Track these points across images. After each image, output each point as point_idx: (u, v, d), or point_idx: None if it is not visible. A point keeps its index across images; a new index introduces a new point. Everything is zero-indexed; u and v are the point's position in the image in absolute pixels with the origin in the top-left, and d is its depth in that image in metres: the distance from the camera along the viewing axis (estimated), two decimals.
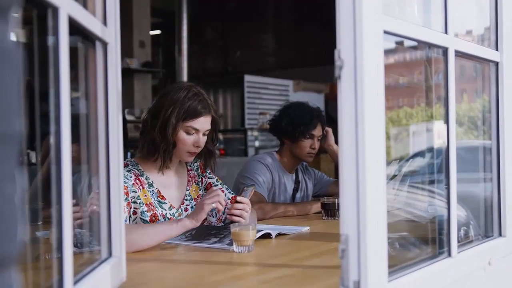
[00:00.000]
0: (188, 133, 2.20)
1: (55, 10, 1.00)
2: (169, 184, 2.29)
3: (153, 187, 2.23)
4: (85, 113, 1.38)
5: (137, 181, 2.18)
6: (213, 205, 1.98)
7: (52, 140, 1.03)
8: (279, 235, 2.18)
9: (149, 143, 2.21)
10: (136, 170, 2.20)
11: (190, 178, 2.38)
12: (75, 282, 1.11)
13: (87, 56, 1.35)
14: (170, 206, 2.24)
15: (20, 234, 0.60)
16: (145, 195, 2.18)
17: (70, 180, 1.03)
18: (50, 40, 1.03)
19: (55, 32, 1.01)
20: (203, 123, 2.21)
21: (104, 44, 1.36)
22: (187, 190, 2.35)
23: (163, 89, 2.31)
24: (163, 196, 2.24)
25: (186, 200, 2.33)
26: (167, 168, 2.27)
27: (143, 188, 2.19)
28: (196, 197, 2.36)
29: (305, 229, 2.35)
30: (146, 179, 2.22)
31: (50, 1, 0.97)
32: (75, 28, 1.13)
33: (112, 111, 1.38)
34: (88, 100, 1.40)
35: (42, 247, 1.43)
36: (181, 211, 2.29)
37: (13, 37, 0.60)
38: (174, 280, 1.60)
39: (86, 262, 1.34)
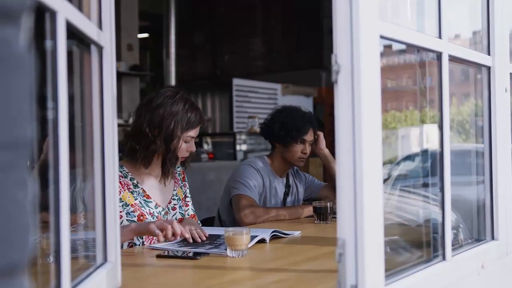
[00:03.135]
0: (185, 142, 2.31)
1: (53, 14, 0.99)
2: (155, 185, 2.36)
3: (139, 187, 2.29)
4: (80, 117, 1.38)
5: (119, 183, 2.21)
6: (157, 231, 1.94)
7: (49, 144, 1.02)
8: (273, 238, 2.19)
9: (151, 154, 2.27)
10: (119, 172, 2.22)
11: (176, 180, 2.47)
12: None
13: (81, 60, 1.34)
14: (156, 204, 2.32)
15: (32, 240, 0.60)
16: (129, 197, 2.24)
17: (67, 185, 1.03)
18: (47, 43, 1.02)
19: (53, 36, 1.01)
20: (198, 130, 2.35)
21: (100, 48, 1.35)
22: (174, 190, 2.44)
23: (154, 98, 2.30)
24: (148, 195, 2.31)
25: (174, 199, 2.42)
26: (169, 176, 2.36)
27: (125, 190, 2.25)
28: (182, 198, 2.47)
29: (297, 233, 2.35)
30: (130, 180, 2.29)
31: (49, 5, 0.96)
32: (71, 32, 1.12)
33: (108, 115, 1.37)
34: (83, 104, 1.39)
35: (36, 252, 1.42)
36: (168, 209, 2.38)
37: (24, 42, 0.59)
38: (169, 285, 1.60)
39: (81, 268, 1.33)
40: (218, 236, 2.18)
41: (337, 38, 1.19)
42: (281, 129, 3.01)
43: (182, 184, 2.50)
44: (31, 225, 0.60)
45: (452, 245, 1.58)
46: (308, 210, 2.83)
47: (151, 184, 2.34)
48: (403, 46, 1.57)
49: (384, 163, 2.29)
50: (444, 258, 1.52)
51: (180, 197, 2.45)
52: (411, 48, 1.61)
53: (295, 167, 3.20)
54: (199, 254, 1.88)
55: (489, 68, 1.84)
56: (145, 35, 9.94)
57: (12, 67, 0.56)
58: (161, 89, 2.38)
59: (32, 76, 0.60)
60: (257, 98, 8.32)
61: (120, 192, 2.20)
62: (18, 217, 0.57)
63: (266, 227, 2.46)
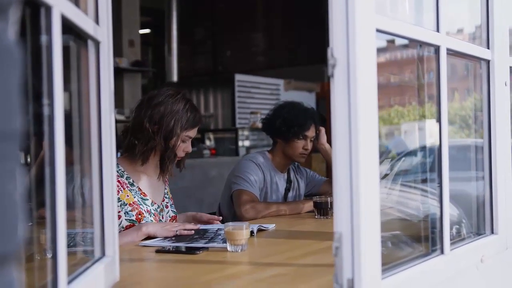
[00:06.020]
0: (183, 141, 2.33)
1: (48, 8, 0.99)
2: (149, 183, 2.39)
3: (134, 186, 2.32)
4: (77, 113, 1.38)
5: (117, 182, 2.23)
6: (177, 233, 2.13)
7: (45, 140, 1.03)
8: (259, 231, 2.24)
9: (149, 150, 2.29)
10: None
11: (166, 179, 2.51)
12: (69, 282, 1.10)
13: (79, 55, 1.35)
14: (152, 202, 2.35)
15: (21, 231, 0.60)
16: (127, 196, 2.27)
17: (63, 180, 1.03)
18: (43, 39, 1.02)
19: (48, 31, 1.01)
20: (196, 131, 2.39)
21: (97, 43, 1.35)
22: (165, 189, 2.48)
23: (155, 96, 2.33)
24: (144, 193, 2.34)
25: (166, 197, 2.46)
26: (167, 174, 2.39)
27: (124, 189, 2.27)
28: (170, 197, 2.51)
29: (271, 226, 2.39)
30: (126, 179, 2.31)
31: None
32: (67, 27, 1.12)
33: (105, 110, 1.38)
34: (80, 100, 1.39)
35: (34, 247, 1.42)
36: (163, 207, 2.42)
37: (12, 35, 0.59)
38: (168, 279, 1.60)
39: (79, 262, 1.33)
40: (206, 231, 2.20)
41: (333, 31, 1.19)
42: (282, 125, 3.01)
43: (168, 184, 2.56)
44: (21, 216, 0.60)
45: (453, 240, 1.58)
46: (309, 205, 2.83)
47: (145, 182, 2.37)
48: (406, 41, 1.57)
49: (386, 158, 2.29)
50: (442, 252, 1.52)
51: (169, 196, 2.50)
52: (413, 42, 1.61)
53: (296, 163, 3.20)
54: (199, 248, 1.88)
55: (488, 61, 1.83)
56: (147, 31, 9.94)
57: (0, 60, 0.57)
58: (162, 87, 2.40)
59: (20, 69, 0.60)
60: (259, 94, 8.32)
61: (118, 191, 2.22)
62: (8, 209, 0.58)
63: (266, 222, 2.47)
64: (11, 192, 0.58)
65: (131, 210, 2.24)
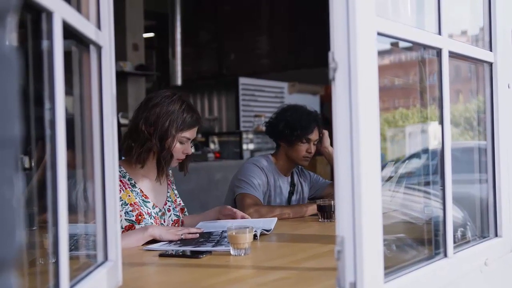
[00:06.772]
0: (181, 142, 2.33)
1: (50, 14, 1.00)
2: (151, 186, 2.39)
3: (136, 187, 2.32)
4: (79, 117, 1.38)
5: (119, 182, 2.24)
6: (182, 236, 2.13)
7: (47, 145, 1.03)
8: (262, 235, 2.23)
9: (145, 151, 2.29)
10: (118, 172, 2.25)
11: (169, 182, 2.51)
12: (71, 287, 1.10)
13: (81, 60, 1.35)
14: (153, 205, 2.35)
15: (19, 237, 0.60)
16: (129, 196, 2.28)
17: (65, 185, 1.03)
18: (44, 44, 1.03)
19: (49, 36, 1.01)
20: (194, 132, 2.37)
21: (98, 48, 1.36)
22: (168, 192, 2.47)
23: (152, 97, 2.35)
24: (146, 195, 2.34)
25: (168, 201, 2.46)
26: (164, 175, 2.38)
27: (126, 189, 2.28)
28: (174, 200, 2.50)
29: (274, 221, 2.42)
30: (128, 180, 2.32)
31: (45, 5, 0.97)
32: (69, 32, 1.13)
33: (107, 115, 1.38)
34: (82, 104, 1.39)
35: (38, 252, 1.43)
36: (165, 210, 2.41)
37: (10, 42, 0.60)
38: (171, 284, 1.60)
39: (81, 267, 1.33)
40: (211, 234, 2.20)
41: (334, 35, 1.19)
42: (286, 128, 3.01)
43: (173, 187, 2.54)
44: (19, 222, 0.60)
45: (458, 243, 1.58)
46: (312, 208, 2.82)
47: (147, 185, 2.37)
48: (409, 43, 1.56)
49: (391, 161, 2.27)
50: (445, 255, 1.52)
51: (172, 199, 2.49)
52: (416, 45, 1.60)
53: (300, 166, 3.20)
54: (202, 252, 1.88)
55: (491, 64, 1.83)
56: (151, 34, 9.94)
57: None
58: (160, 90, 2.40)
59: (19, 75, 0.60)
60: (263, 97, 8.33)
61: (120, 191, 2.22)
62: (5, 215, 0.58)
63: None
64: (9, 199, 0.58)
65: (131, 211, 2.24)
